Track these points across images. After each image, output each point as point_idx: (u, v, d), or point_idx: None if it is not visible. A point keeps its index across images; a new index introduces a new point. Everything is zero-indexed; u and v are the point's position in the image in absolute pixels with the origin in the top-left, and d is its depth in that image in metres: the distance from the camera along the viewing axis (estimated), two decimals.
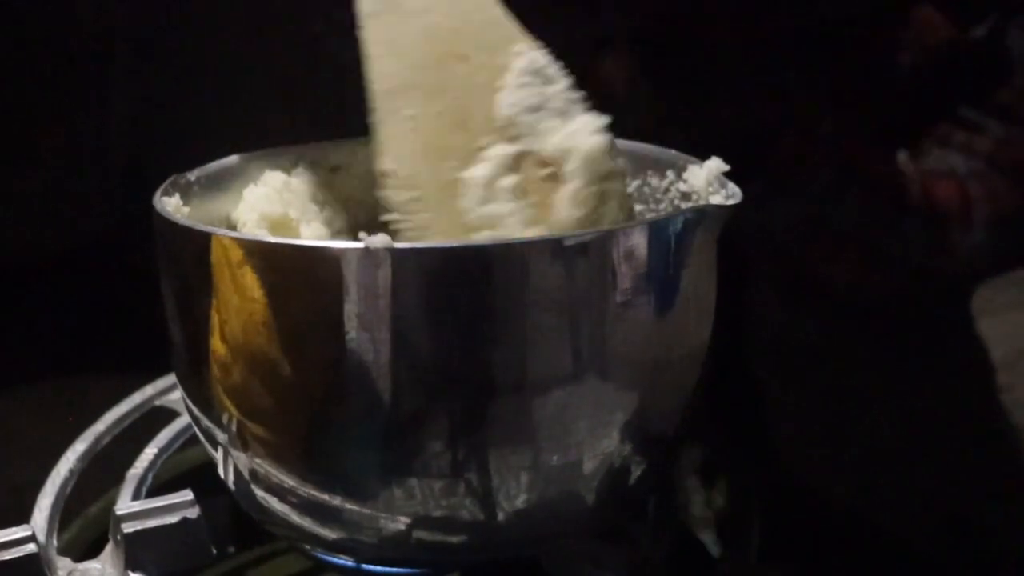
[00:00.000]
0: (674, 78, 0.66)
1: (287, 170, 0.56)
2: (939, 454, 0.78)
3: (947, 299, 0.83)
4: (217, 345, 0.45)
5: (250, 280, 0.43)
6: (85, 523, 0.55)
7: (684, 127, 0.64)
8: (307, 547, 0.50)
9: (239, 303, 0.43)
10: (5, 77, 0.76)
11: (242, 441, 0.46)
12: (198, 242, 0.44)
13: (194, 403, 0.48)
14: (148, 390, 0.62)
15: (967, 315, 0.82)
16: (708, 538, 0.56)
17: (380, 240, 0.40)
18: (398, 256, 0.41)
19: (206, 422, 0.48)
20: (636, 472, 0.47)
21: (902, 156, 0.79)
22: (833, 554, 0.80)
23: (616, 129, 0.56)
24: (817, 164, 0.73)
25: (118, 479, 0.55)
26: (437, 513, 0.44)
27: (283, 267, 0.42)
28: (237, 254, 0.43)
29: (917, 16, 0.74)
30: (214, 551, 0.50)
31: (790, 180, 0.72)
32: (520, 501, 0.45)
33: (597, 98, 0.62)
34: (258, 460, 0.46)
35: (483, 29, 0.51)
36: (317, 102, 0.75)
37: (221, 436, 0.47)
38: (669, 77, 0.64)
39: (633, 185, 0.55)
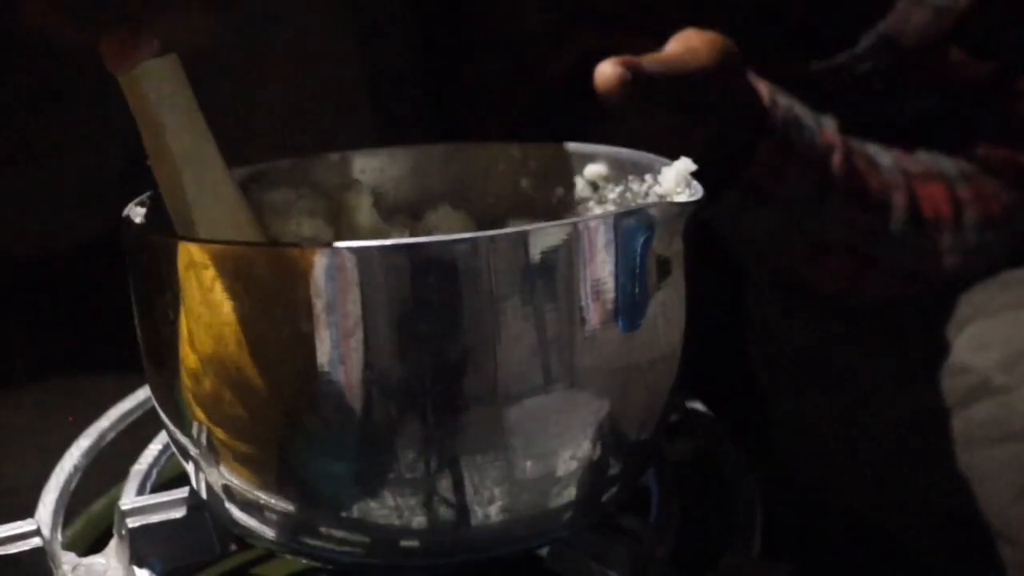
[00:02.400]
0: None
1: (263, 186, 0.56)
2: (939, 454, 0.78)
3: (943, 300, 0.83)
4: (186, 355, 0.44)
5: (216, 285, 0.42)
6: (90, 518, 0.55)
7: (664, 138, 0.64)
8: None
9: (206, 310, 0.43)
10: (5, 78, 0.76)
11: (212, 450, 0.46)
12: (164, 249, 0.44)
13: (166, 414, 0.48)
14: None
15: (962, 316, 0.82)
16: None
17: (318, 240, 0.41)
18: (361, 254, 0.41)
19: (178, 434, 0.47)
20: (616, 469, 0.47)
21: (888, 160, 0.79)
22: (833, 554, 0.81)
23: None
24: (795, 172, 0.73)
25: (123, 475, 0.55)
26: (413, 520, 0.44)
27: (249, 270, 0.42)
28: (203, 259, 0.42)
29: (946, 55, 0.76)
30: (218, 547, 0.50)
31: (767, 189, 0.73)
32: (496, 505, 0.45)
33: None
34: (229, 472, 0.46)
35: None
36: (316, 116, 0.76)
37: (193, 449, 0.47)
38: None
39: (616, 191, 0.56)
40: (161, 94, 0.48)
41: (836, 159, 0.75)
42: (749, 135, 0.71)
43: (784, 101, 0.73)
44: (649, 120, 0.64)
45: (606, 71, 0.62)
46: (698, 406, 0.62)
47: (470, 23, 0.84)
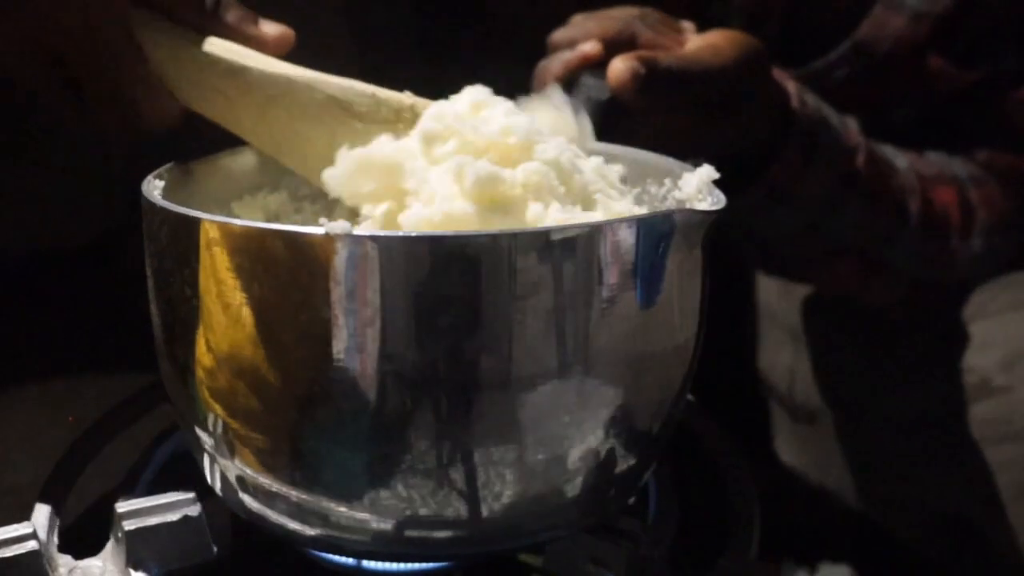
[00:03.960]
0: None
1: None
2: (939, 454, 0.78)
3: (948, 303, 0.83)
4: (202, 338, 0.45)
5: (234, 264, 0.42)
6: (86, 520, 0.55)
7: (687, 136, 0.64)
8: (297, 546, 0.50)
9: (223, 289, 0.43)
10: (5, 77, 0.76)
11: (226, 439, 0.46)
12: (184, 226, 0.44)
13: (179, 401, 0.48)
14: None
15: (963, 317, 0.82)
16: None
17: (340, 226, 0.40)
18: (383, 243, 0.41)
19: (190, 423, 0.48)
20: (624, 467, 0.48)
21: (904, 163, 0.79)
22: (833, 554, 0.81)
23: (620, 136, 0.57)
24: (818, 173, 0.73)
25: (121, 475, 0.55)
26: (425, 510, 0.44)
27: (267, 252, 0.42)
28: (221, 238, 0.42)
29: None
30: (215, 549, 0.50)
31: (789, 188, 0.72)
32: (506, 497, 0.45)
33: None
34: (242, 462, 0.46)
35: None
36: None
37: (206, 439, 0.47)
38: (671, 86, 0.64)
39: (633, 193, 0.56)
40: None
41: (860, 160, 0.74)
42: (775, 135, 0.70)
43: (812, 101, 0.72)
44: (667, 118, 0.63)
45: (619, 66, 0.60)
46: (696, 404, 0.62)
47: (474, 20, 0.84)
